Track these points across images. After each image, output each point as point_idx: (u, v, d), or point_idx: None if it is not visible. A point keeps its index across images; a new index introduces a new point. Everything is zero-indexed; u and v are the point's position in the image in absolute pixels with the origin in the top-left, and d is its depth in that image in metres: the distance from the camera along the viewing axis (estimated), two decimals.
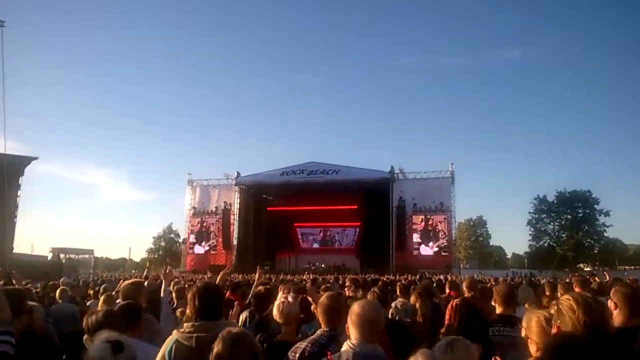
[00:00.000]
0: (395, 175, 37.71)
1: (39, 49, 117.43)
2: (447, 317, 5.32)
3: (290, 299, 3.62)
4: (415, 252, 36.17)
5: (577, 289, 5.81)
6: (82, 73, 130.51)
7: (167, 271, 5.03)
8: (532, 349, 2.75)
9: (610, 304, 2.96)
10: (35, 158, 29.08)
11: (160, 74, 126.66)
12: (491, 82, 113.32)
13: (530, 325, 2.76)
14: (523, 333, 3.04)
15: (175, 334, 2.93)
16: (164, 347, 2.94)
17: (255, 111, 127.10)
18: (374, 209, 37.93)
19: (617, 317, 2.86)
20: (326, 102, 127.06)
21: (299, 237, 44.30)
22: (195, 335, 2.83)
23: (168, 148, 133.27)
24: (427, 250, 36.04)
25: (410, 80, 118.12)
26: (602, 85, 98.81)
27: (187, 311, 3.24)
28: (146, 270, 6.51)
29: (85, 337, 2.99)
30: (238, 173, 40.98)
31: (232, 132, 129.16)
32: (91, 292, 8.95)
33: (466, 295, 5.76)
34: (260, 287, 5.56)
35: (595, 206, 53.84)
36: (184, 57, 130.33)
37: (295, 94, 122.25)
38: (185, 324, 3.02)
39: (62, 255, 32.04)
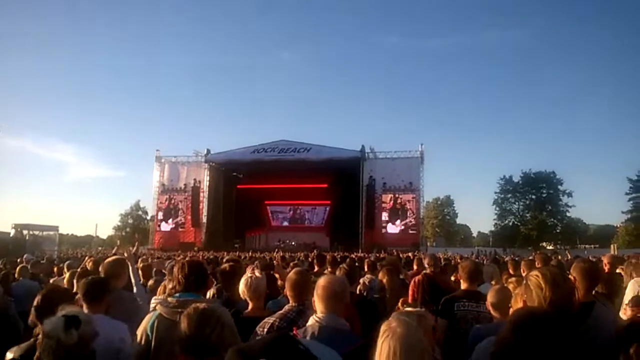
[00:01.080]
0: (366, 154, 37.92)
1: (2, 19, 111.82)
2: (410, 292, 5.43)
3: (257, 274, 3.62)
4: (384, 231, 36.71)
5: (538, 266, 6.01)
6: (48, 45, 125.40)
7: (135, 250, 4.91)
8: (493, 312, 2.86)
9: (570, 278, 3.08)
10: None
11: (128, 47, 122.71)
12: (462, 64, 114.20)
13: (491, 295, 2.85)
14: (489, 308, 3.15)
15: (158, 309, 2.91)
16: (144, 321, 2.92)
17: (226, 87, 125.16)
18: (344, 187, 38.19)
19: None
20: (298, 79, 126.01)
21: (269, 215, 44.23)
22: (180, 310, 2.80)
23: (136, 124, 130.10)
24: (395, 228, 36.62)
25: (383, 60, 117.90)
26: (570, 68, 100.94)
27: (169, 285, 3.23)
28: (116, 248, 6.37)
29: (30, 316, 2.91)
30: (208, 150, 40.42)
31: (202, 108, 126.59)
32: (55, 269, 8.74)
33: (427, 271, 5.89)
34: (226, 265, 5.52)
35: (559, 187, 55.69)
36: (152, 31, 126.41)
37: (268, 70, 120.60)
38: (169, 299, 3.00)
39: (25, 232, 31.21)
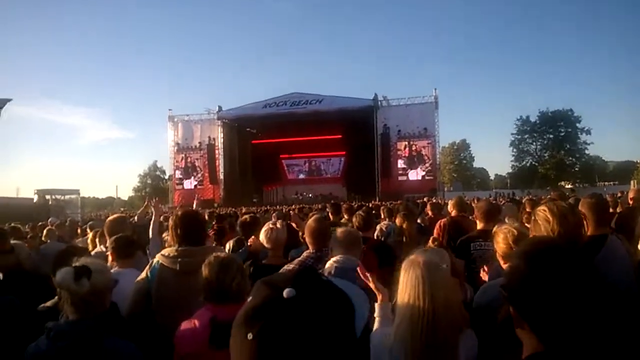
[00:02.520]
0: (379, 102, 37.28)
1: None
2: (435, 234, 5.49)
3: (279, 225, 3.69)
4: (400, 178, 36.61)
5: None
6: (54, 10, 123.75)
7: (155, 203, 4.99)
8: (501, 262, 2.87)
9: (579, 212, 3.07)
10: (9, 100, 28.06)
11: (135, 9, 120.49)
12: (474, 4, 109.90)
13: (497, 241, 2.87)
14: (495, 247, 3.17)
15: (159, 257, 2.98)
16: (146, 268, 2.99)
17: (234, 42, 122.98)
18: (359, 137, 37.87)
19: (585, 227, 2.97)
20: (307, 30, 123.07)
21: (285, 168, 44.43)
22: (180, 259, 2.87)
23: (146, 84, 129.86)
24: (412, 175, 36.51)
25: (392, 5, 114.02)
26: (584, 7, 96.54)
27: (169, 238, 3.28)
28: (144, 206, 6.45)
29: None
30: (219, 107, 40.17)
31: (212, 65, 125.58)
32: (79, 230, 8.98)
33: (453, 214, 5.91)
34: (246, 216, 5.64)
35: (577, 124, 54.52)
36: None
37: (275, 22, 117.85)
38: (169, 249, 3.06)
39: (48, 197, 31.88)
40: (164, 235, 4.63)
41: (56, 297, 2.42)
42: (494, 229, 3.18)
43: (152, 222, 4.52)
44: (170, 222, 3.23)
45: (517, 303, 1.24)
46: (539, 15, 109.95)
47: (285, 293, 0.80)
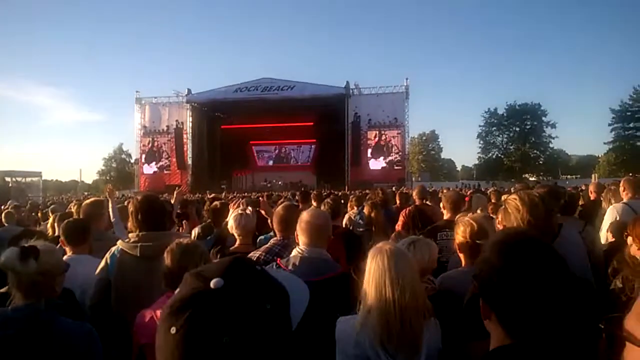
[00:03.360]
0: (351, 90, 37.34)
1: None
2: (400, 222, 5.53)
3: (248, 211, 3.63)
4: (369, 167, 36.89)
5: None
6: None
7: (110, 190, 4.91)
8: (461, 256, 2.91)
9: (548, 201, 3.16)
10: None
11: None
12: None
13: (456, 232, 2.90)
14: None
15: (119, 244, 2.90)
16: (106, 255, 2.90)
17: (204, 24, 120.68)
18: (330, 125, 37.88)
19: None
20: (280, 15, 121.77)
21: (255, 155, 44.10)
22: (140, 244, 2.80)
23: (115, 65, 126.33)
24: (380, 164, 36.81)
25: None
26: (552, 4, 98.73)
27: (129, 224, 3.18)
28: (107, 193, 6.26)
29: None
30: (189, 90, 39.38)
31: (181, 46, 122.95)
32: (40, 214, 8.70)
33: (417, 203, 5.97)
34: (216, 202, 5.56)
35: (543, 118, 55.98)
36: None
37: (248, 6, 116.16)
38: (130, 234, 2.98)
39: (8, 179, 30.85)
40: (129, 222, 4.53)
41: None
42: (456, 219, 3.22)
43: (110, 209, 4.41)
44: (130, 207, 3.12)
45: (486, 294, 1.24)
46: (511, 9, 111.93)
47: (212, 283, 0.75)
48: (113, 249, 2.92)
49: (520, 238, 1.32)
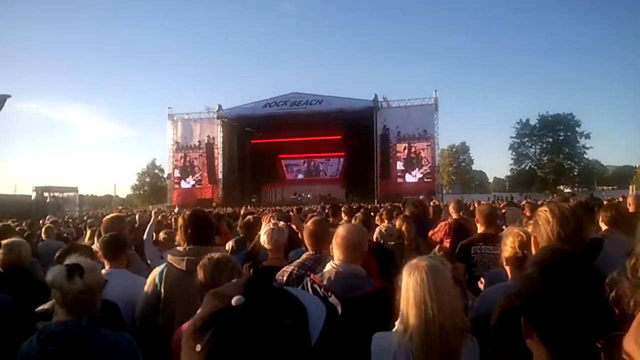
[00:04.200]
0: (379, 103, 37.29)
1: None
2: (438, 236, 5.48)
3: (280, 226, 3.66)
4: (399, 180, 36.61)
5: None
6: (55, 6, 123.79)
7: (157, 211, 5.01)
8: (507, 268, 2.83)
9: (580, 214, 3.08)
10: (8, 96, 27.91)
11: (135, 5, 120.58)
12: (475, 6, 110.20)
13: (505, 244, 2.82)
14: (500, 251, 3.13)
15: (168, 257, 2.97)
16: (155, 271, 2.98)
17: (235, 42, 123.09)
18: (358, 138, 37.90)
19: None
20: (307, 30, 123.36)
21: (284, 168, 44.41)
22: (186, 258, 2.85)
23: (146, 82, 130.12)
24: (410, 177, 36.49)
25: (393, 6, 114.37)
26: (585, 11, 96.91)
27: (178, 238, 3.27)
28: (153, 214, 6.37)
29: None
30: (219, 106, 40.14)
31: (212, 64, 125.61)
32: (74, 230, 8.96)
33: (454, 216, 5.90)
34: (249, 217, 5.62)
35: (577, 129, 54.58)
36: None
37: (276, 22, 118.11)
38: (178, 248, 3.05)
39: (45, 194, 31.87)
40: (161, 234, 4.64)
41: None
42: (505, 231, 3.15)
43: (149, 225, 4.52)
44: (180, 221, 3.23)
45: (528, 312, 1.23)
46: (540, 19, 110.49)
47: (233, 301, 0.79)
48: (162, 264, 3.00)
49: (563, 256, 1.31)
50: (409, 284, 1.98)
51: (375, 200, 30.14)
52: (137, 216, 7.12)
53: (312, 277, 2.63)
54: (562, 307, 1.16)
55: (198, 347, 0.76)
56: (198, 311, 0.84)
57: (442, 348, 1.87)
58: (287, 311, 0.82)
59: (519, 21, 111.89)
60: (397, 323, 2.03)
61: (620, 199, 12.92)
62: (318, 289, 2.53)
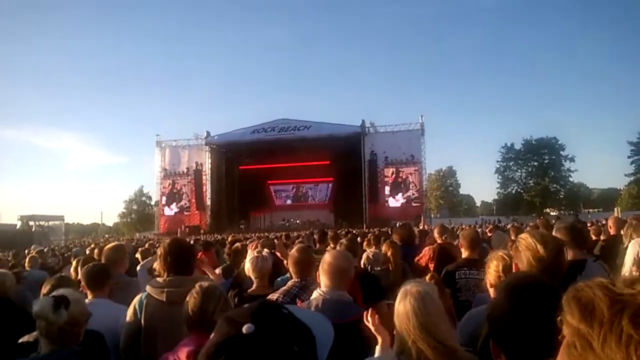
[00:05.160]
0: (366, 129, 37.70)
1: None
2: (423, 261, 5.51)
3: (264, 254, 3.68)
4: (387, 204, 36.74)
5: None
6: (42, 34, 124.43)
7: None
8: (490, 291, 2.88)
9: (559, 238, 3.15)
10: None
11: (123, 33, 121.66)
12: (459, 31, 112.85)
13: (489, 267, 2.87)
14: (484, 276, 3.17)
15: (147, 288, 2.95)
16: (135, 300, 2.95)
17: (222, 69, 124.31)
18: (346, 163, 38.16)
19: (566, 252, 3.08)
20: (294, 57, 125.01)
21: (273, 194, 44.34)
22: (166, 289, 2.84)
23: (135, 109, 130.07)
24: (398, 202, 36.64)
25: (379, 32, 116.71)
26: (568, 32, 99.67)
27: (157, 267, 3.24)
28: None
29: None
30: (208, 132, 40.27)
31: (200, 91, 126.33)
32: (60, 258, 8.86)
33: (438, 241, 5.95)
34: (238, 244, 5.63)
35: (561, 152, 55.45)
36: (148, 17, 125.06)
37: (262, 49, 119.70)
38: (157, 279, 3.03)
39: (31, 223, 31.46)
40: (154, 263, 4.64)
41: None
42: (489, 255, 3.21)
43: (147, 260, 4.53)
44: (159, 250, 3.18)
45: (496, 334, 1.30)
46: (523, 45, 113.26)
47: (244, 329, 0.81)
48: (141, 294, 2.97)
49: (529, 282, 1.39)
50: (402, 309, 2.01)
51: (364, 225, 30.13)
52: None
53: (299, 304, 2.65)
54: (526, 330, 1.21)
55: None
56: (211, 336, 0.87)
57: None
58: (296, 339, 0.85)
59: (504, 47, 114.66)
60: (394, 347, 2.05)
61: (604, 222, 13.10)
62: None
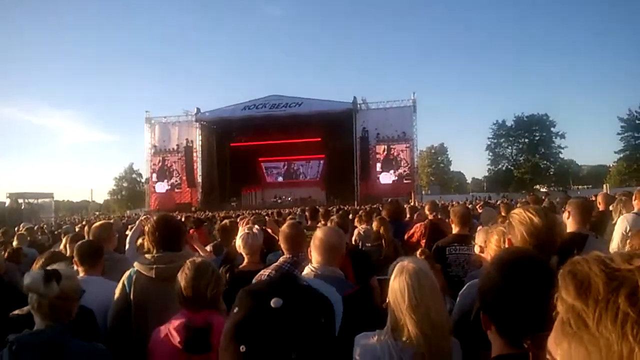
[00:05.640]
0: (358, 105, 37.56)
1: None
2: (414, 237, 5.55)
3: (255, 230, 3.67)
4: (378, 181, 36.88)
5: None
6: (32, 7, 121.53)
7: (144, 218, 4.86)
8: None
9: (565, 213, 3.27)
10: None
11: (113, 8, 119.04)
12: (451, 8, 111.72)
13: (489, 242, 2.88)
14: (477, 250, 3.20)
15: (136, 265, 2.93)
16: (124, 276, 2.94)
17: (214, 44, 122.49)
18: (338, 140, 38.09)
19: (570, 224, 3.27)
20: (286, 33, 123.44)
21: (264, 171, 44.27)
22: (155, 266, 2.83)
23: (125, 86, 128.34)
24: (389, 178, 36.78)
25: (370, 8, 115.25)
26: (560, 13, 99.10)
27: (146, 244, 3.22)
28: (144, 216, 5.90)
29: None
30: (198, 109, 39.88)
31: (190, 67, 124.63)
32: (50, 236, 8.82)
33: (430, 217, 5.98)
34: (226, 221, 5.61)
35: (552, 129, 55.67)
36: None
37: (254, 25, 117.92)
38: (146, 255, 3.01)
39: (20, 201, 31.25)
40: (139, 240, 4.60)
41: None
42: (479, 230, 3.24)
43: (132, 231, 4.49)
44: (148, 227, 3.15)
45: (486, 306, 1.35)
46: (515, 22, 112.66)
47: (273, 303, 0.82)
48: (130, 270, 2.95)
49: (520, 256, 1.42)
50: (396, 287, 2.01)
51: (356, 202, 30.28)
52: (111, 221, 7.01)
53: None
54: (515, 303, 1.25)
55: (243, 348, 0.80)
56: (234, 310, 0.87)
57: (430, 349, 1.90)
58: (322, 311, 0.87)
59: (495, 24, 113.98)
60: (387, 323, 2.05)
61: (594, 198, 13.24)
62: None
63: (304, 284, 0.93)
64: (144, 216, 4.77)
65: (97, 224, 4.43)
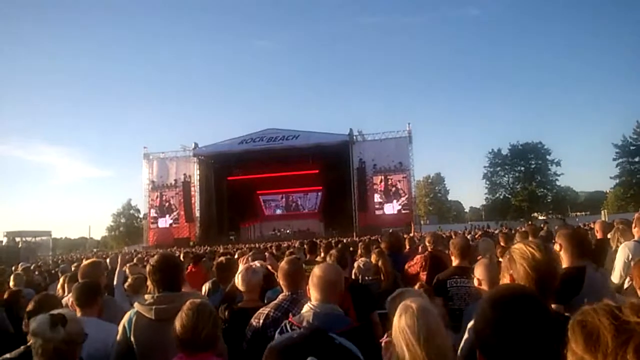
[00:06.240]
0: (354, 137, 37.87)
1: None
2: (414, 270, 5.50)
3: (256, 265, 3.65)
4: (377, 212, 36.83)
5: (530, 237, 6.09)
6: (26, 45, 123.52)
7: (122, 255, 4.91)
8: None
9: (556, 246, 3.13)
10: None
11: (110, 45, 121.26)
12: (446, 40, 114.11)
13: (504, 276, 2.84)
14: (476, 283, 3.18)
15: (136, 306, 2.90)
16: (124, 318, 2.90)
17: (210, 79, 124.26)
18: (335, 172, 38.20)
19: (564, 258, 3.03)
20: (282, 67, 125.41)
21: (262, 204, 44.19)
22: (155, 307, 2.80)
23: (122, 122, 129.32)
24: (388, 209, 36.76)
25: (366, 40, 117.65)
26: (554, 38, 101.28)
27: (148, 284, 3.19)
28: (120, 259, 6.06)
29: (24, 322, 2.94)
30: (195, 144, 40.15)
31: (187, 103, 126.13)
32: (47, 275, 8.72)
33: (430, 249, 5.95)
34: (222, 258, 5.56)
35: (547, 157, 55.92)
36: (135, 28, 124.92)
37: (251, 59, 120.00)
38: (146, 296, 2.98)
39: (18, 239, 31.03)
40: (129, 279, 4.58)
41: (21, 348, 2.33)
42: (477, 263, 3.22)
43: (116, 272, 4.46)
44: (148, 267, 3.13)
45: (480, 344, 1.33)
46: (509, 52, 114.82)
47: None
48: (130, 312, 2.92)
49: (514, 294, 1.40)
50: (399, 326, 1.98)
51: (354, 234, 30.13)
52: (108, 260, 6.96)
53: (290, 319, 2.63)
54: (510, 341, 1.24)
55: None
56: None
57: None
58: None
59: (487, 52, 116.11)
60: None
61: (592, 225, 13.22)
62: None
63: (337, 342, 0.91)
64: (123, 252, 4.77)
65: (87, 262, 4.40)
